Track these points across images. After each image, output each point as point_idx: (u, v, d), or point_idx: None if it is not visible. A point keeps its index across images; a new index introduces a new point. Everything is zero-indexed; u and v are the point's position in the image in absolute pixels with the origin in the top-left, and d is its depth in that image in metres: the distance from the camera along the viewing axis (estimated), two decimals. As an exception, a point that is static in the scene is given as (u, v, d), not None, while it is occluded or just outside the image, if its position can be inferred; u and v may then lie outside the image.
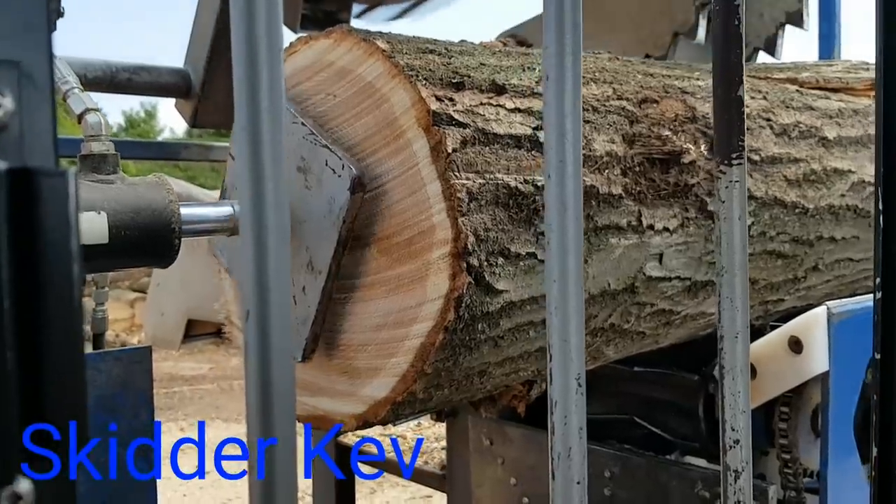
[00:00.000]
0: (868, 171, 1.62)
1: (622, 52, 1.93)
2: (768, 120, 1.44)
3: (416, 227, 0.99)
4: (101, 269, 1.23)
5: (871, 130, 1.66)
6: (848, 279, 1.70)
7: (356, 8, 2.50)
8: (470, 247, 0.94)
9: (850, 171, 1.56)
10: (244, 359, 0.49)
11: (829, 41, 2.48)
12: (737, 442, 0.82)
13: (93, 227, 1.06)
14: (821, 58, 2.51)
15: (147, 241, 1.10)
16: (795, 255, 1.50)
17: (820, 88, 1.64)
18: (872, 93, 1.74)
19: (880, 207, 0.84)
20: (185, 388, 7.46)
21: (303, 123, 1.51)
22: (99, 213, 1.07)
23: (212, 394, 7.28)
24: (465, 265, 0.94)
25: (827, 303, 1.43)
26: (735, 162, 0.78)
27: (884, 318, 0.86)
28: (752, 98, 1.46)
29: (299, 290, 1.54)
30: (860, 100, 1.74)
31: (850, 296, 1.63)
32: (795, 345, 1.44)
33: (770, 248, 1.44)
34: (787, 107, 1.50)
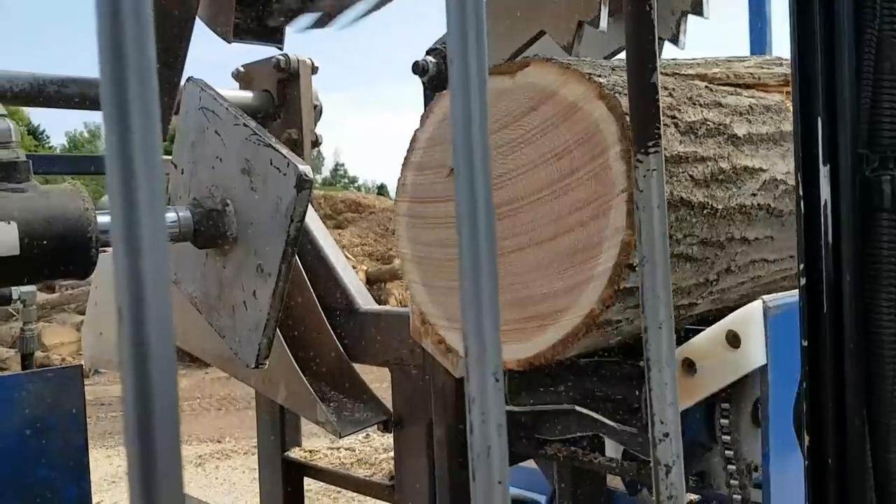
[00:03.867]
0: (780, 168, 1.56)
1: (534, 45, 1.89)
2: (673, 118, 1.38)
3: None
4: (13, 282, 1.18)
5: (784, 127, 1.60)
6: (764, 280, 1.65)
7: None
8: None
9: (761, 168, 1.51)
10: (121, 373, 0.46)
11: (760, 36, 2.49)
12: (666, 435, 0.81)
13: (1, 237, 1.01)
14: (752, 53, 2.53)
15: (63, 252, 1.06)
16: (706, 258, 1.43)
17: (731, 84, 1.60)
18: (786, 88, 1.72)
19: (800, 193, 0.84)
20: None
21: (245, 124, 1.44)
22: (9, 223, 1.03)
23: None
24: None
25: (763, 297, 1.43)
26: (651, 150, 0.77)
27: (809, 304, 0.86)
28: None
29: (250, 295, 1.47)
30: (772, 96, 1.69)
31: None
32: (733, 339, 1.44)
33: (678, 251, 1.36)
34: (694, 103, 1.44)
